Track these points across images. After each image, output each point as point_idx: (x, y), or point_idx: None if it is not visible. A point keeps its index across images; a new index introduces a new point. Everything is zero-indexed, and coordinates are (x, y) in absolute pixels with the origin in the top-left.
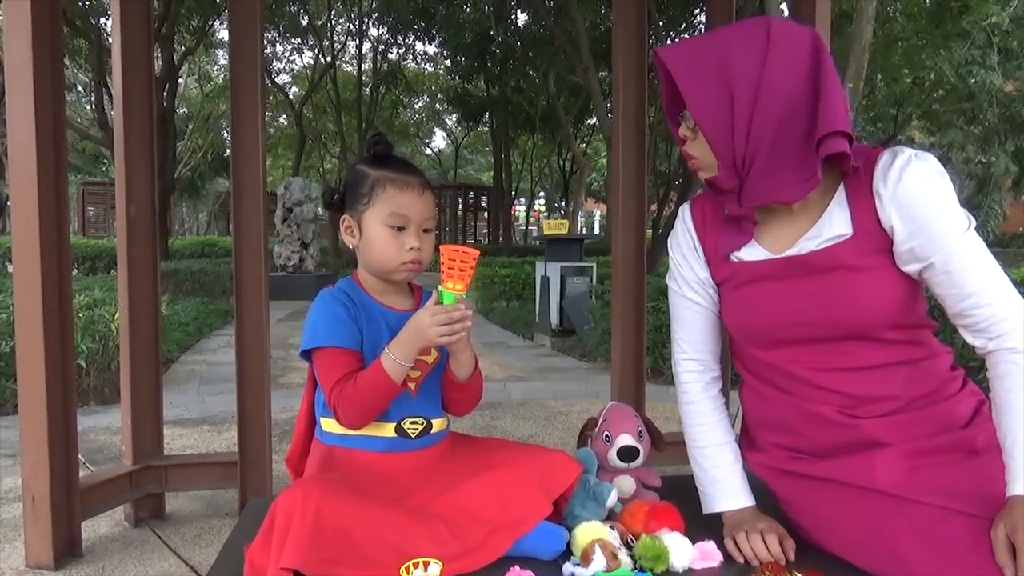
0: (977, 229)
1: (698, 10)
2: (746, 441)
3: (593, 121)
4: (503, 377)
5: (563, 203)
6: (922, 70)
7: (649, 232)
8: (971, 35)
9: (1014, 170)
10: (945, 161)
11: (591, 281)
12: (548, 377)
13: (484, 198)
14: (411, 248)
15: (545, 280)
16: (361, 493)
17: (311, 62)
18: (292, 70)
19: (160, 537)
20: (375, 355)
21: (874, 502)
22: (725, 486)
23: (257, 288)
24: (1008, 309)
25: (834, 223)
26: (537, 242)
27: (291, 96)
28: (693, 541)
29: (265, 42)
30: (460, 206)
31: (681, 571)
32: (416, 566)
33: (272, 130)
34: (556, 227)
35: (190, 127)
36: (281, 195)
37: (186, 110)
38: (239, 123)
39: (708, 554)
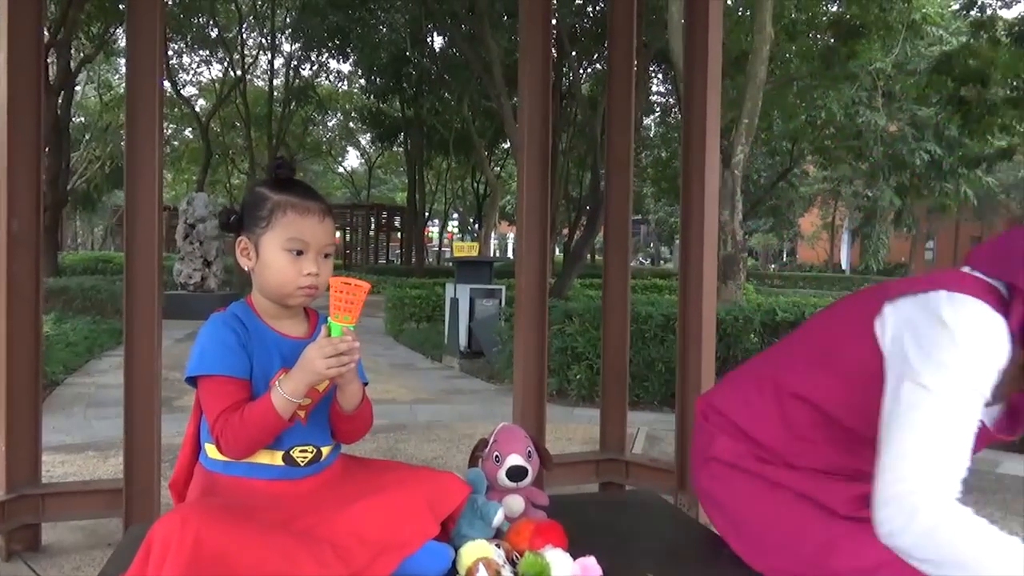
0: (865, 257)
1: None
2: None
3: (507, 145)
4: (410, 399)
5: (476, 225)
6: (815, 109)
7: (560, 255)
8: (858, 78)
9: (897, 204)
10: (836, 194)
11: (500, 303)
12: (455, 399)
13: (397, 218)
14: (309, 273)
15: (455, 302)
16: (244, 518)
17: (220, 75)
18: (199, 82)
19: (35, 571)
20: (265, 383)
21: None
22: None
23: (150, 307)
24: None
25: None
26: (450, 263)
27: (198, 109)
28: (575, 557)
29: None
30: (373, 226)
31: None
32: None
33: (176, 143)
34: (466, 249)
35: (87, 137)
36: (183, 211)
37: (83, 119)
38: (135, 134)
39: (588, 569)
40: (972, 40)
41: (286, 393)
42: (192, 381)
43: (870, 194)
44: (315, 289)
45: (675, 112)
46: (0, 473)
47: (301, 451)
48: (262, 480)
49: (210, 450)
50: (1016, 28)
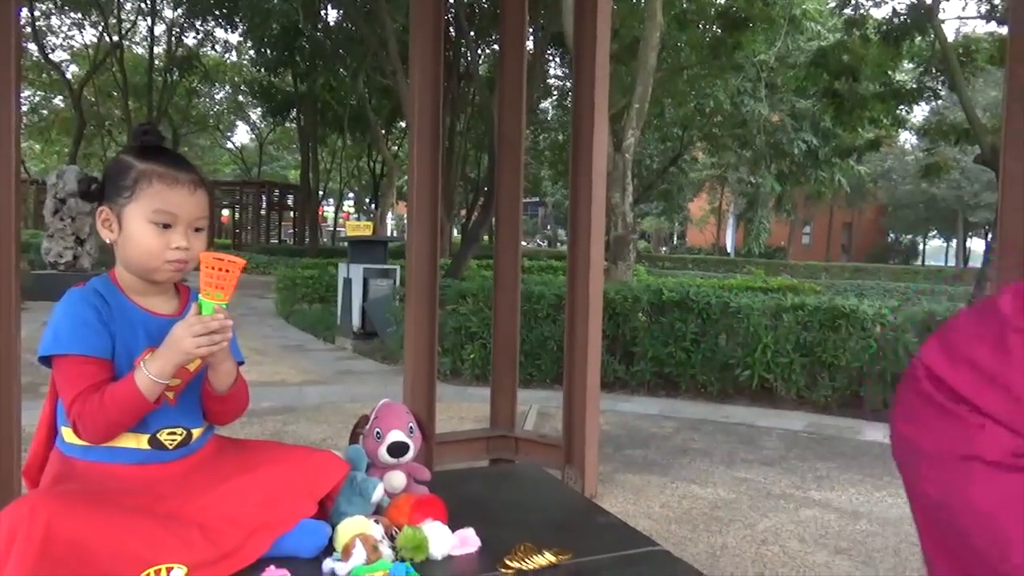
0: (748, 240)
1: None
2: None
3: (405, 124)
4: (300, 381)
5: (373, 205)
6: (703, 97)
7: (458, 236)
8: (744, 68)
9: (777, 190)
10: (722, 180)
11: (395, 283)
12: (346, 380)
13: (290, 197)
14: (177, 248)
15: (348, 282)
16: (101, 503)
17: (94, 40)
18: (71, 47)
19: None
20: (129, 363)
21: None
22: None
23: (6, 285)
24: None
25: None
26: (345, 244)
27: (69, 76)
28: (454, 530)
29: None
30: (264, 205)
31: (440, 559)
32: (158, 573)
33: (45, 112)
34: (360, 228)
35: None
36: (52, 185)
37: None
38: None
39: (467, 541)
40: (845, 37)
41: (152, 373)
42: (47, 361)
43: (753, 180)
44: (184, 264)
45: (571, 96)
46: None
47: (169, 434)
48: (126, 464)
49: (67, 434)
50: (884, 27)
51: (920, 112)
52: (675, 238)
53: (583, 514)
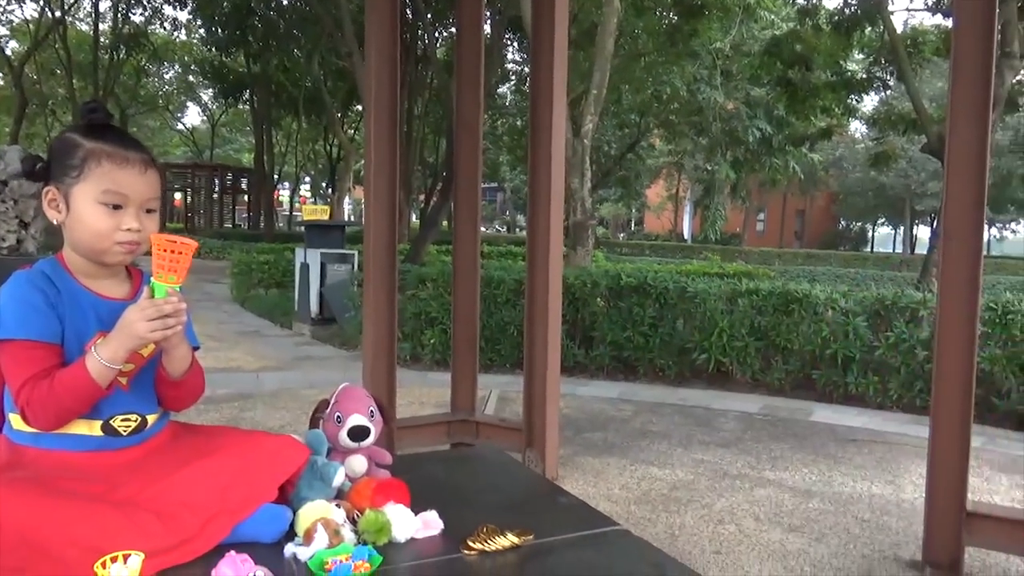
0: (705, 227)
1: None
2: None
3: (361, 107)
4: (256, 367)
5: (330, 190)
6: (660, 84)
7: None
8: (700, 56)
9: (733, 177)
10: (679, 167)
11: (353, 268)
12: (304, 366)
13: (244, 181)
14: (128, 229)
15: (305, 267)
16: (51, 492)
17: (35, 15)
18: (11, 22)
19: None
20: (79, 349)
21: None
22: None
23: None
24: None
25: None
26: (301, 228)
27: (8, 52)
28: (417, 513)
29: None
30: (217, 188)
31: (403, 541)
32: (114, 560)
33: None
34: (317, 213)
35: None
36: None
37: None
38: None
39: (429, 523)
40: (798, 26)
41: (103, 359)
42: None
43: (709, 167)
44: (135, 246)
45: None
46: None
47: (123, 420)
48: (78, 452)
49: (15, 421)
50: (836, 17)
51: (870, 102)
52: (633, 224)
53: (544, 495)
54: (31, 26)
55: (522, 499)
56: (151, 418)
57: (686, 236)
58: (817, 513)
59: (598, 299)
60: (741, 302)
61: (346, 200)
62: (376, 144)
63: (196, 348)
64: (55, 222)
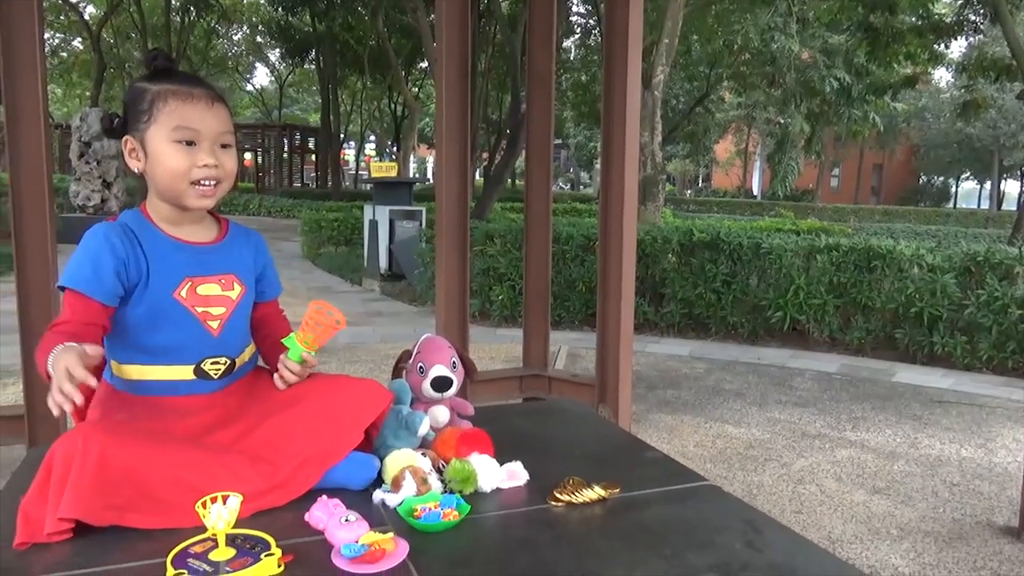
0: (774, 183)
1: None
2: None
3: (426, 64)
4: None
5: (394, 148)
6: (732, 33)
7: (480, 179)
8: (774, 3)
9: (807, 130)
10: (750, 121)
11: (421, 225)
12: (376, 322)
13: (311, 140)
14: (204, 165)
15: (374, 224)
16: (152, 434)
17: None
18: None
19: None
20: (166, 291)
21: None
22: None
23: (41, 226)
24: None
25: None
26: (367, 186)
27: (87, 17)
28: (501, 464)
29: None
30: (286, 148)
31: (489, 491)
32: (214, 500)
33: (64, 55)
34: (385, 170)
35: None
36: (77, 128)
37: None
38: (11, 40)
39: (515, 474)
40: None
41: (51, 365)
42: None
43: (782, 121)
44: (215, 185)
45: (595, 34)
46: None
47: (213, 363)
48: (173, 396)
49: (114, 367)
50: None
51: (957, 48)
52: (700, 181)
53: (628, 449)
54: None
55: (606, 453)
56: (239, 360)
57: (755, 193)
58: (903, 475)
59: (669, 255)
60: (819, 258)
61: (411, 158)
62: (447, 99)
63: (278, 295)
64: (137, 171)
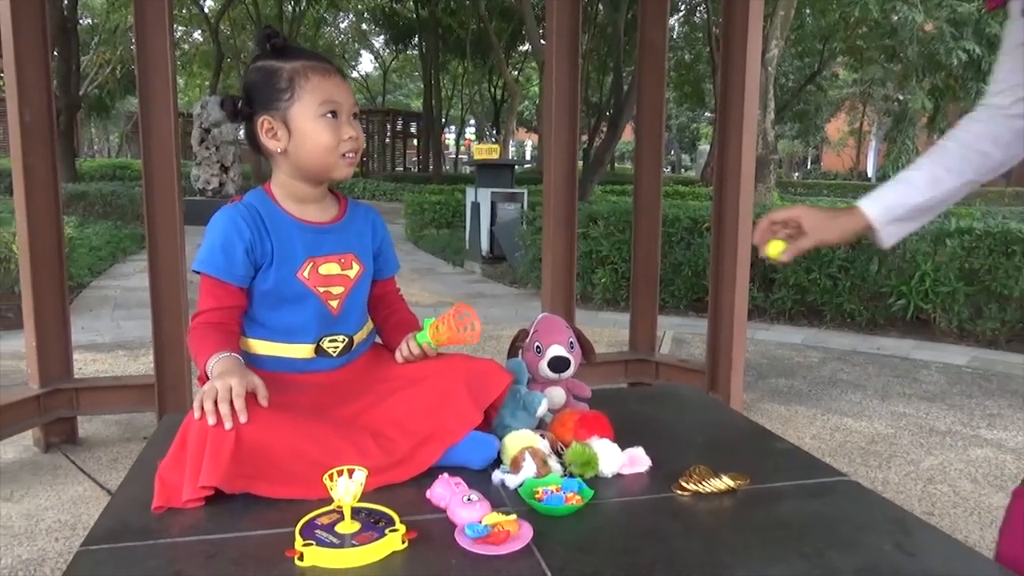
0: (889, 163)
1: None
2: None
3: (526, 47)
4: (433, 303)
5: (494, 131)
6: (849, 5)
7: (580, 162)
8: None
9: (929, 107)
10: (865, 98)
11: (522, 207)
12: (478, 303)
13: (413, 125)
14: (350, 137)
15: (476, 206)
16: (280, 407)
17: None
18: None
19: (73, 461)
20: (288, 270)
21: None
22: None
23: (170, 206)
24: None
25: None
26: (467, 170)
27: (206, 10)
28: (622, 448)
29: None
30: (389, 133)
31: (610, 476)
32: (340, 474)
33: (186, 47)
34: (487, 152)
35: (96, 40)
36: (198, 115)
37: (91, 21)
38: (145, 35)
39: (637, 460)
40: None
41: (211, 372)
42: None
43: (901, 97)
44: (357, 154)
45: (700, 11)
46: (33, 367)
47: (331, 341)
48: (295, 373)
49: (241, 342)
50: None
51: None
52: (809, 163)
53: (754, 439)
54: None
55: (731, 441)
56: (357, 338)
57: (870, 174)
58: None
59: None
60: (949, 243)
61: (511, 142)
62: (557, 81)
63: (395, 272)
64: (277, 151)
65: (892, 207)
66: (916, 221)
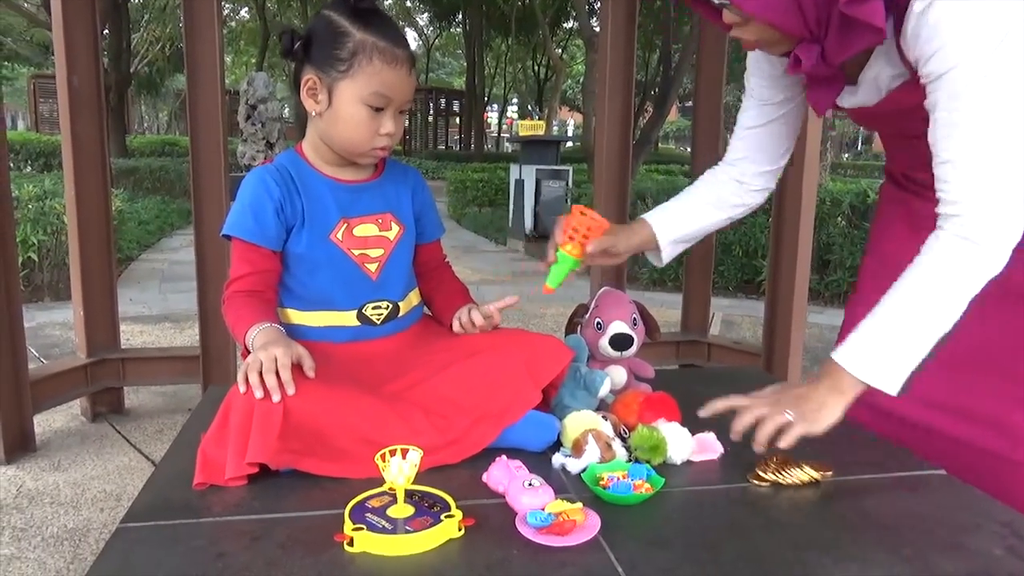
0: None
1: None
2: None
3: (570, 24)
4: (476, 280)
5: (537, 109)
6: None
7: None
8: None
9: None
10: None
11: (567, 185)
12: (522, 281)
13: (456, 103)
14: (387, 133)
15: (520, 184)
16: (328, 381)
17: None
18: None
19: (119, 431)
20: (322, 231)
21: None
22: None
23: (216, 181)
24: (963, 191)
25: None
26: (509, 148)
27: None
28: (691, 433)
29: None
30: (432, 111)
31: (679, 464)
32: (393, 454)
33: (233, 24)
34: (532, 128)
35: (146, 17)
36: (244, 91)
37: None
38: (192, 13)
39: (708, 446)
40: None
41: (252, 343)
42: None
43: None
44: (388, 150)
45: None
46: (81, 338)
47: (374, 308)
48: (339, 343)
49: (280, 312)
50: None
51: None
52: (860, 143)
53: (834, 427)
54: None
55: None
56: (403, 305)
57: None
58: None
59: (839, 219)
60: None
61: (554, 121)
62: (612, 50)
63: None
64: (312, 112)
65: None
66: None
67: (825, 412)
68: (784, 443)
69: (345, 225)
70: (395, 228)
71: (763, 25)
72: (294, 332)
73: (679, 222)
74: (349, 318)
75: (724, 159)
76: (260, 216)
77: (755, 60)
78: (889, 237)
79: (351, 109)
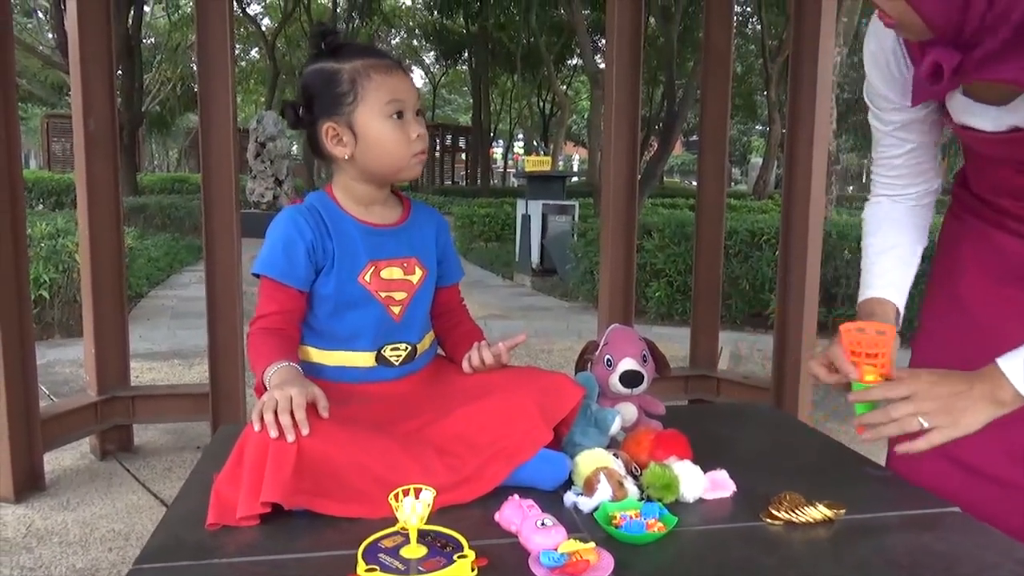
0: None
1: None
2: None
3: (574, 61)
4: (483, 315)
5: (543, 145)
6: None
7: None
8: None
9: None
10: None
11: (573, 219)
12: (528, 316)
13: (462, 139)
14: (418, 136)
15: (526, 218)
16: (341, 421)
17: None
18: (263, 0)
19: (128, 469)
20: (350, 273)
21: None
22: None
23: (228, 217)
24: None
25: None
26: (515, 183)
27: (263, 28)
28: (703, 470)
29: None
30: (438, 147)
31: (692, 501)
32: (406, 493)
33: (243, 64)
34: (538, 164)
35: (158, 58)
36: (253, 130)
37: (153, 40)
38: (206, 54)
39: (720, 484)
40: None
41: (268, 381)
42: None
43: None
44: (425, 153)
45: (752, 22)
46: (91, 375)
47: (393, 349)
48: (355, 383)
49: (300, 351)
50: None
51: None
52: (865, 176)
53: (845, 463)
54: (281, 2)
55: (819, 465)
56: (420, 347)
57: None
58: None
59: (845, 252)
60: None
61: (559, 156)
62: (617, 84)
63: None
64: (344, 157)
65: None
66: None
67: (969, 416)
68: (916, 447)
69: (373, 267)
70: (419, 272)
71: (908, 8)
72: (312, 369)
73: (905, 279)
74: (368, 359)
75: (889, 195)
76: (292, 256)
77: (880, 66)
78: (960, 278)
79: (377, 127)
